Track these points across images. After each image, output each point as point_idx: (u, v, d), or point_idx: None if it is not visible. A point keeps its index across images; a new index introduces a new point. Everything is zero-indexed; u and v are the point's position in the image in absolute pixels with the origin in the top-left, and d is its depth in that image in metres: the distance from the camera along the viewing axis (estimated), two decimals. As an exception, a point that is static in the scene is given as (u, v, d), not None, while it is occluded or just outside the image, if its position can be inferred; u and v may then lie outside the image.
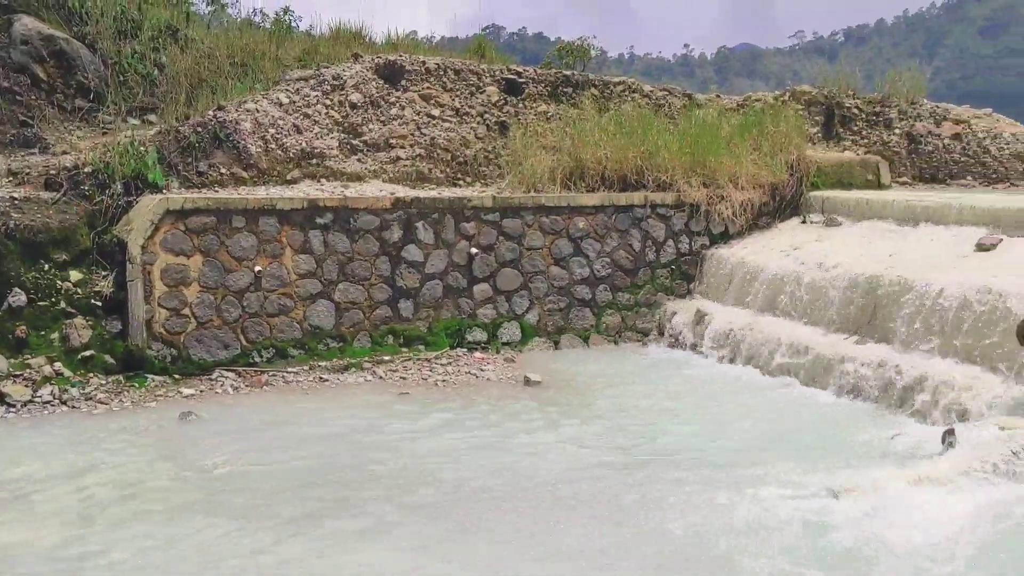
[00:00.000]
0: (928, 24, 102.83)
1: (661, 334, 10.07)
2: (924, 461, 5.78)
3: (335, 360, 8.90)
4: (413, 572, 4.78)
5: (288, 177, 10.22)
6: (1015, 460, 5.43)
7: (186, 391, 8.09)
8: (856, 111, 12.82)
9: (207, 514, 5.47)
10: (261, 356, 8.76)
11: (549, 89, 11.90)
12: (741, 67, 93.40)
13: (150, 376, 8.26)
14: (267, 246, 8.79)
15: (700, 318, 9.60)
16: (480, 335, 9.62)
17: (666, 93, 12.50)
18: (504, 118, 11.53)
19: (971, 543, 4.75)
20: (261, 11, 13.98)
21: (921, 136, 12.61)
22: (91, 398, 7.77)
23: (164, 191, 9.06)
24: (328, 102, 10.68)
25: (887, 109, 12.79)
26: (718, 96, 13.27)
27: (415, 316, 9.40)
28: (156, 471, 6.21)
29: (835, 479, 5.55)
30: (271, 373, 8.60)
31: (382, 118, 10.95)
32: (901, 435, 6.52)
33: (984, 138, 12.59)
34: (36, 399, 7.61)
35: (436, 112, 11.23)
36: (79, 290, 8.25)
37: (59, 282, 8.20)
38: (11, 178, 8.85)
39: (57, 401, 7.65)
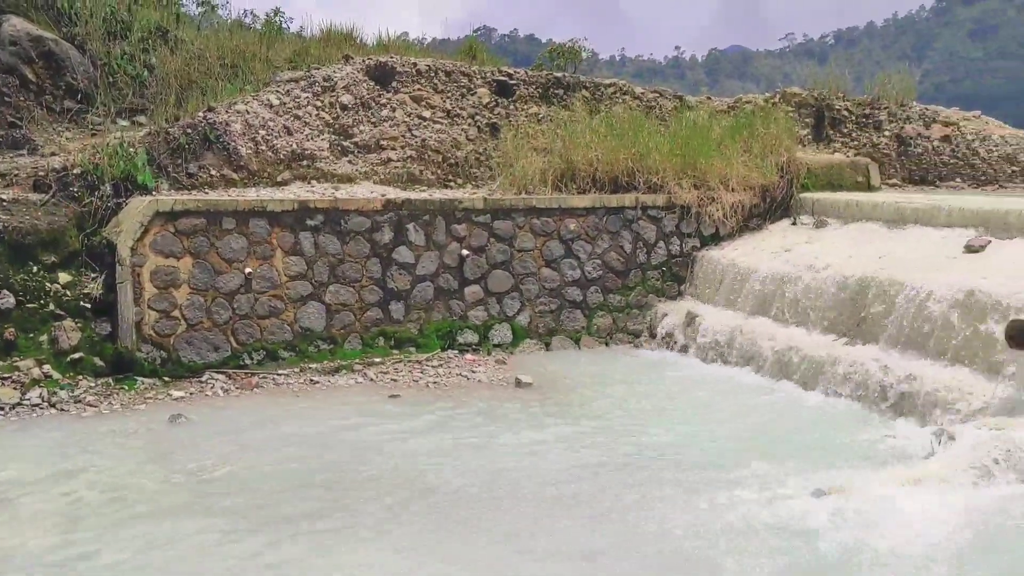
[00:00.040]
0: (918, 27, 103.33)
1: (652, 336, 10.08)
2: (914, 462, 5.81)
3: (326, 362, 8.88)
4: (412, 573, 4.77)
5: (278, 179, 10.19)
6: (1004, 461, 5.45)
7: (176, 393, 8.06)
8: (846, 113, 12.86)
9: (197, 517, 5.45)
10: (251, 358, 8.73)
11: (540, 91, 11.90)
12: (732, 69, 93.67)
13: (139, 378, 8.22)
14: (257, 248, 8.77)
15: (691, 320, 9.61)
16: (471, 337, 9.61)
17: (657, 95, 12.52)
18: (495, 120, 11.53)
19: (959, 546, 4.76)
20: (252, 12, 13.91)
21: (911, 138, 12.66)
22: (80, 401, 7.73)
23: (154, 193, 9.02)
24: (319, 103, 10.66)
25: (877, 111, 12.84)
26: (709, 98, 13.29)
27: (406, 318, 9.38)
28: (145, 474, 6.18)
29: (824, 481, 5.57)
30: (261, 375, 8.57)
31: (373, 120, 10.93)
32: (891, 436, 6.55)
33: (973, 140, 12.64)
34: (24, 402, 7.57)
35: (427, 114, 11.22)
36: (68, 292, 8.21)
37: (48, 284, 8.16)
38: (-1, 180, 8.81)
39: (46, 404, 7.61)
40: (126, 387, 8.08)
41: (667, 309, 10.10)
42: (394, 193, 10.04)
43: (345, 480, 6.04)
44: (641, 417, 7.47)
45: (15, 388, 7.66)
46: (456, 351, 9.46)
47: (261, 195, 9.42)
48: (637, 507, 5.43)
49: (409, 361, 9.09)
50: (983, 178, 12.49)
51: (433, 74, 11.35)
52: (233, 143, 9.90)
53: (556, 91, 11.95)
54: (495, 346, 9.67)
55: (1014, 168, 12.50)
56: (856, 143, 12.70)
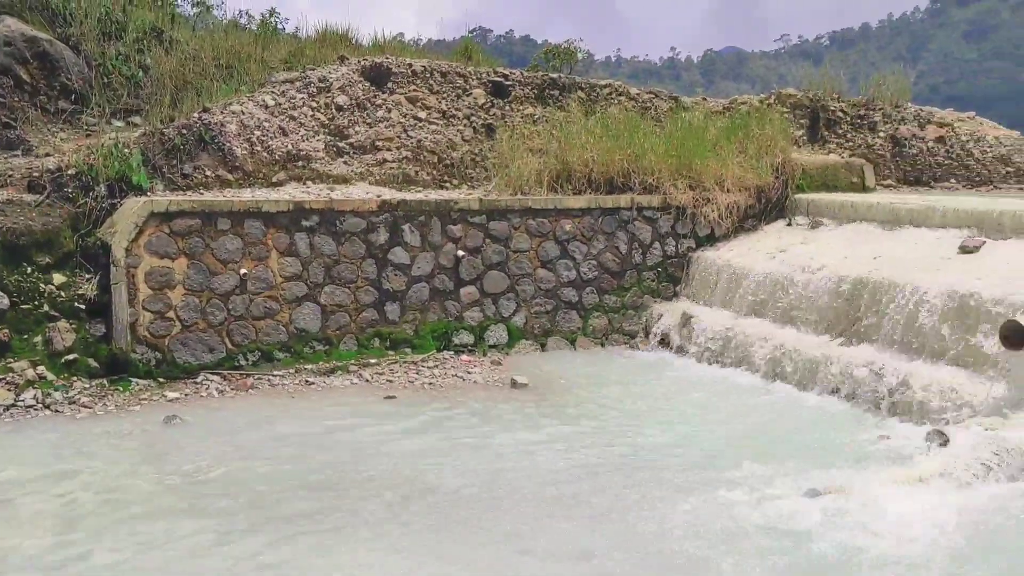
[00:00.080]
0: (912, 28, 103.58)
1: (648, 336, 10.09)
2: (909, 463, 5.81)
3: (321, 363, 8.87)
4: (411, 573, 4.77)
5: (274, 179, 10.18)
6: (999, 461, 5.46)
7: (171, 395, 8.04)
8: (841, 114, 12.89)
9: (193, 518, 5.44)
10: (247, 359, 8.71)
11: (536, 92, 11.91)
12: (727, 70, 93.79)
13: (134, 380, 8.20)
14: (252, 249, 8.75)
15: (686, 320, 9.62)
16: (467, 338, 9.61)
17: (652, 96, 12.53)
18: (491, 120, 11.53)
19: (956, 546, 4.77)
20: (247, 13, 13.91)
21: (905, 139, 12.69)
22: (75, 402, 7.71)
23: (148, 193, 9.01)
24: (314, 104, 10.65)
25: (872, 112, 12.86)
26: (704, 99, 13.30)
27: (401, 319, 9.38)
28: (140, 475, 6.17)
29: (820, 481, 5.57)
30: (257, 376, 8.55)
31: (368, 120, 10.92)
32: (886, 436, 6.56)
33: (967, 141, 12.67)
34: (19, 403, 7.55)
35: (423, 114, 11.21)
36: (62, 293, 8.19)
37: (42, 285, 8.14)
38: (-7, 180, 8.78)
39: (40, 405, 7.59)
40: (121, 388, 8.06)
41: (663, 310, 10.11)
42: (390, 194, 10.03)
43: (342, 481, 6.04)
44: (637, 418, 7.47)
45: (9, 389, 7.64)
46: (452, 352, 9.45)
47: (256, 196, 9.41)
48: (636, 507, 5.43)
49: (405, 362, 9.08)
50: (977, 179, 12.52)
51: (429, 75, 11.34)
52: (228, 144, 9.89)
53: (552, 92, 11.95)
54: (491, 347, 9.67)
55: (1008, 169, 12.53)
56: (851, 144, 12.72)
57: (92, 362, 8.14)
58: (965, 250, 7.86)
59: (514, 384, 8.46)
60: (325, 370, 8.79)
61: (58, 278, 8.25)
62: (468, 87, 11.56)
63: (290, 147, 10.36)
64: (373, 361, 9.02)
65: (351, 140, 10.77)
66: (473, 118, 11.48)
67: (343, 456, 6.53)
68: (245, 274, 8.70)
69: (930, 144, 12.65)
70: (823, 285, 8.36)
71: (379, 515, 5.46)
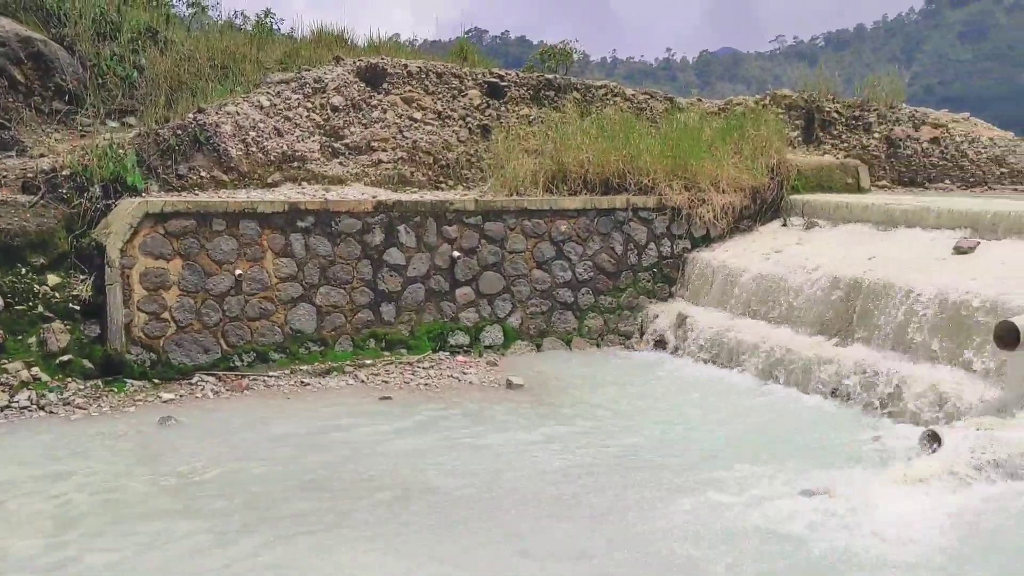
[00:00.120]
0: (907, 29, 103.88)
1: (643, 337, 10.10)
2: (904, 463, 5.81)
3: (316, 364, 8.86)
4: (411, 573, 4.76)
5: (269, 180, 10.17)
6: (994, 461, 5.47)
7: (166, 396, 8.03)
8: (836, 115, 12.91)
9: (188, 519, 5.43)
10: (242, 360, 8.70)
11: (531, 93, 11.91)
12: (723, 71, 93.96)
13: (129, 381, 8.19)
14: (248, 249, 8.74)
15: (682, 321, 9.63)
16: (462, 339, 9.61)
17: (648, 97, 12.54)
18: (486, 121, 11.53)
19: (952, 547, 4.78)
20: (242, 14, 13.85)
21: (900, 140, 12.72)
22: (69, 403, 7.69)
23: (143, 194, 8.99)
24: (309, 105, 10.64)
25: (867, 113, 12.89)
26: (699, 100, 13.32)
27: (397, 320, 9.37)
28: (135, 476, 6.16)
29: (815, 482, 5.58)
30: (252, 377, 8.54)
31: (364, 121, 10.91)
32: (881, 437, 6.57)
33: (962, 142, 12.70)
34: (13, 404, 7.53)
35: (418, 115, 11.21)
36: (57, 294, 8.17)
37: (36, 286, 8.12)
38: (-12, 181, 8.75)
39: (35, 406, 7.57)
40: (115, 389, 8.04)
41: (658, 310, 10.12)
42: (385, 195, 10.03)
43: (338, 481, 6.03)
44: (633, 418, 7.47)
45: (3, 391, 7.62)
46: (447, 353, 9.45)
47: (251, 196, 9.40)
48: (635, 508, 5.43)
49: (400, 363, 9.07)
50: (972, 180, 12.55)
51: (424, 75, 11.34)
52: (223, 144, 9.87)
53: (547, 93, 11.96)
54: (486, 348, 9.67)
55: (1003, 170, 12.56)
56: (846, 145, 12.75)
57: (87, 363, 8.12)
58: (960, 251, 7.88)
59: (510, 385, 8.45)
60: (320, 371, 8.78)
61: (53, 279, 8.23)
62: (464, 88, 11.56)
63: (285, 148, 10.35)
64: (368, 362, 9.01)
65: (346, 141, 10.76)
66: (469, 119, 11.48)
67: (339, 457, 6.52)
68: (240, 275, 8.68)
69: (925, 145, 12.68)
70: (818, 286, 8.37)
71: (377, 516, 5.45)
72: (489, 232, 9.74)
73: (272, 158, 10.25)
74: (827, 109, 12.91)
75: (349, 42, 12.80)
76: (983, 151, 12.67)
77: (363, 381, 8.65)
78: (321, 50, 12.00)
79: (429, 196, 10.18)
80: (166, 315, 8.44)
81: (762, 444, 6.64)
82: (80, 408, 7.64)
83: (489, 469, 6.22)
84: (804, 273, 8.66)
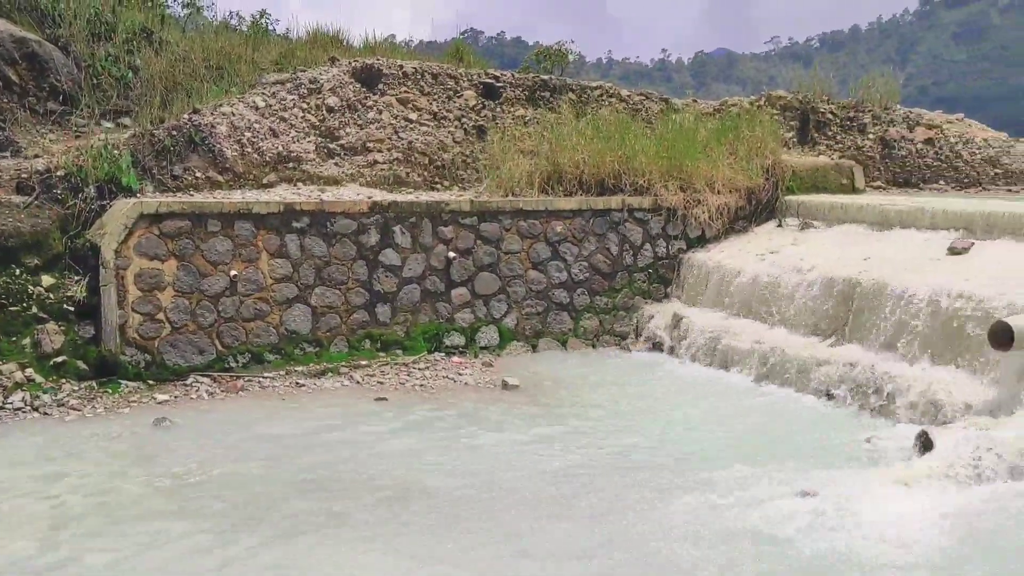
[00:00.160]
0: (902, 30, 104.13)
1: (639, 337, 10.10)
2: (900, 463, 5.83)
3: (312, 365, 8.85)
4: (411, 573, 4.76)
5: (264, 181, 10.15)
6: (989, 461, 5.49)
7: (160, 397, 8.01)
8: (831, 116, 12.93)
9: (183, 521, 5.41)
10: (237, 361, 8.69)
11: (527, 93, 11.91)
12: (718, 72, 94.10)
13: (124, 382, 8.17)
14: (243, 250, 8.73)
15: (677, 321, 9.64)
16: (458, 339, 9.60)
17: (643, 98, 12.55)
18: (482, 122, 11.53)
19: (948, 548, 4.78)
20: (237, 14, 13.84)
21: (895, 141, 12.74)
22: (63, 404, 7.67)
23: (138, 195, 8.97)
24: (305, 106, 10.63)
25: (861, 114, 12.92)
26: (695, 101, 13.33)
27: (392, 320, 9.37)
28: (130, 478, 6.14)
29: (811, 483, 5.59)
30: (247, 378, 8.53)
31: (359, 122, 10.91)
32: (876, 437, 6.58)
33: (956, 143, 12.73)
34: (7, 406, 7.50)
35: (413, 116, 11.20)
36: (51, 295, 8.15)
37: (31, 287, 8.09)
38: (-18, 182, 8.72)
39: (29, 408, 7.55)
40: (110, 391, 8.02)
41: (653, 311, 10.13)
42: (380, 195, 10.02)
43: (335, 482, 6.02)
44: (628, 418, 7.47)
45: (-3, 392, 7.59)
46: (443, 353, 9.45)
47: (246, 197, 9.38)
48: (635, 508, 5.43)
49: (395, 364, 9.07)
50: (966, 180, 12.58)
51: (420, 76, 11.34)
52: (218, 145, 9.86)
53: (543, 94, 11.96)
54: (482, 348, 9.67)
55: (997, 170, 12.60)
56: (840, 146, 12.77)
57: (81, 364, 8.10)
58: (954, 251, 7.90)
59: (505, 385, 8.45)
60: (316, 372, 8.77)
61: (47, 280, 8.20)
62: (459, 89, 11.56)
63: (280, 148, 10.33)
64: (364, 363, 9.00)
65: (342, 141, 10.75)
66: (464, 120, 11.48)
67: (335, 458, 6.51)
68: (235, 276, 8.67)
69: (919, 146, 12.71)
70: (813, 286, 8.39)
71: (376, 515, 5.45)
72: (485, 233, 9.73)
73: (267, 159, 10.23)
74: (822, 110, 12.93)
75: (345, 43, 12.79)
76: (977, 152, 12.71)
77: (358, 382, 8.65)
78: (316, 51, 11.99)
79: (425, 197, 10.18)
80: (161, 316, 8.43)
81: (758, 444, 6.65)
82: (74, 409, 7.62)
83: (486, 469, 6.22)
84: (799, 274, 8.67)
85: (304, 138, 10.53)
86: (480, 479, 6.03)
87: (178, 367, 8.45)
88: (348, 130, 10.81)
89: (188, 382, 8.35)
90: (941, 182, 12.56)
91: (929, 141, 12.73)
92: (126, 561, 4.90)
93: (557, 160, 10.43)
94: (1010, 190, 12.32)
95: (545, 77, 12.30)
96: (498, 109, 11.68)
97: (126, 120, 10.46)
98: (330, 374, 8.77)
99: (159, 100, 10.32)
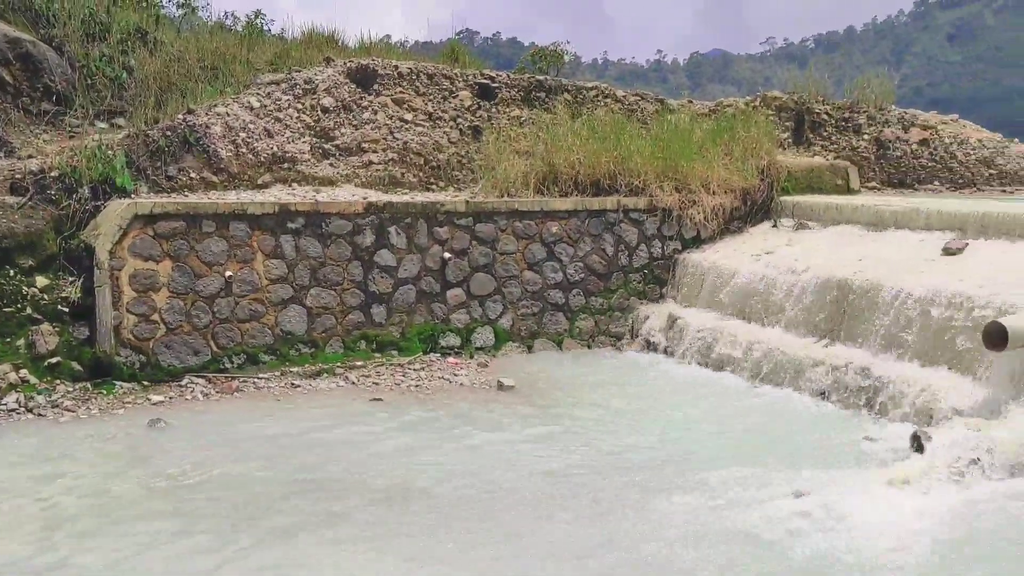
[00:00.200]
0: (896, 31, 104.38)
1: (634, 338, 10.11)
2: (895, 464, 5.84)
3: (307, 366, 8.84)
4: (411, 574, 4.75)
5: (259, 181, 10.13)
6: (984, 461, 5.50)
7: (155, 398, 7.99)
8: (826, 117, 12.96)
9: (178, 523, 5.40)
10: (232, 362, 8.67)
11: (522, 94, 11.91)
12: (713, 73, 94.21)
13: (118, 383, 8.15)
14: (238, 251, 8.71)
15: (672, 322, 9.65)
16: (454, 340, 9.60)
17: (639, 98, 12.56)
18: (477, 123, 11.53)
19: (942, 548, 4.79)
20: (232, 14, 13.83)
21: (889, 142, 12.77)
22: (58, 405, 7.65)
23: (133, 196, 8.95)
24: (300, 106, 10.61)
25: (856, 115, 12.94)
26: (690, 101, 13.35)
27: (388, 321, 9.36)
28: (124, 479, 6.13)
29: (806, 483, 5.60)
30: (242, 379, 8.51)
31: (354, 122, 10.90)
32: (870, 437, 6.59)
33: (951, 144, 12.77)
34: (1, 407, 7.47)
35: (409, 116, 11.20)
36: (46, 296, 8.13)
37: (25, 288, 8.07)
38: (-24, 182, 8.70)
39: (23, 409, 7.52)
40: (104, 392, 8.00)
41: (649, 311, 10.13)
42: (375, 196, 10.01)
43: (332, 483, 6.01)
44: (625, 419, 7.47)
45: (-9, 393, 7.57)
46: (438, 354, 9.44)
47: (241, 198, 9.37)
48: (633, 509, 5.44)
49: (391, 364, 9.06)
50: (960, 181, 12.62)
51: (415, 77, 11.33)
52: (213, 146, 9.84)
53: (538, 94, 11.96)
54: (477, 349, 9.66)
55: (991, 171, 12.63)
56: (836, 146, 12.80)
57: (75, 365, 8.08)
58: (948, 252, 7.91)
59: (501, 386, 8.45)
60: (311, 373, 8.76)
61: (41, 281, 8.18)
62: (455, 89, 11.55)
63: (275, 149, 10.32)
64: (359, 363, 8.99)
65: (337, 142, 10.74)
66: (459, 120, 11.48)
67: (331, 458, 6.51)
68: (230, 276, 8.66)
69: (914, 147, 12.74)
70: (808, 287, 8.40)
71: (376, 515, 5.44)
72: (480, 233, 9.73)
73: (262, 159, 10.22)
74: (817, 111, 12.96)
75: (340, 43, 12.79)
76: (972, 153, 12.74)
77: (354, 383, 8.64)
78: (311, 51, 11.98)
79: (420, 197, 10.17)
80: (155, 317, 8.41)
81: (755, 445, 6.65)
82: (69, 410, 7.60)
83: (484, 470, 6.21)
84: (794, 274, 8.68)
85: (299, 138, 10.52)
86: (478, 479, 6.02)
87: (173, 368, 8.43)
88: (343, 130, 10.80)
89: (183, 383, 8.33)
90: (936, 183, 12.59)
91: (924, 142, 12.76)
92: (123, 562, 4.89)
93: (553, 161, 10.43)
94: (1004, 191, 12.36)
95: (541, 77, 12.30)
96: (493, 109, 11.68)
97: (120, 120, 10.44)
98: (325, 375, 8.75)
99: (153, 100, 10.30)
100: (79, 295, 8.18)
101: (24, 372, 7.83)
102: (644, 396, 8.19)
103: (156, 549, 5.04)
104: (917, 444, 5.90)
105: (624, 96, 12.46)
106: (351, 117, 10.89)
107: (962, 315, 6.80)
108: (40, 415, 7.48)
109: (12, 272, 8.08)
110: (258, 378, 8.55)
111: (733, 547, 4.88)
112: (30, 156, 9.21)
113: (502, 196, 10.16)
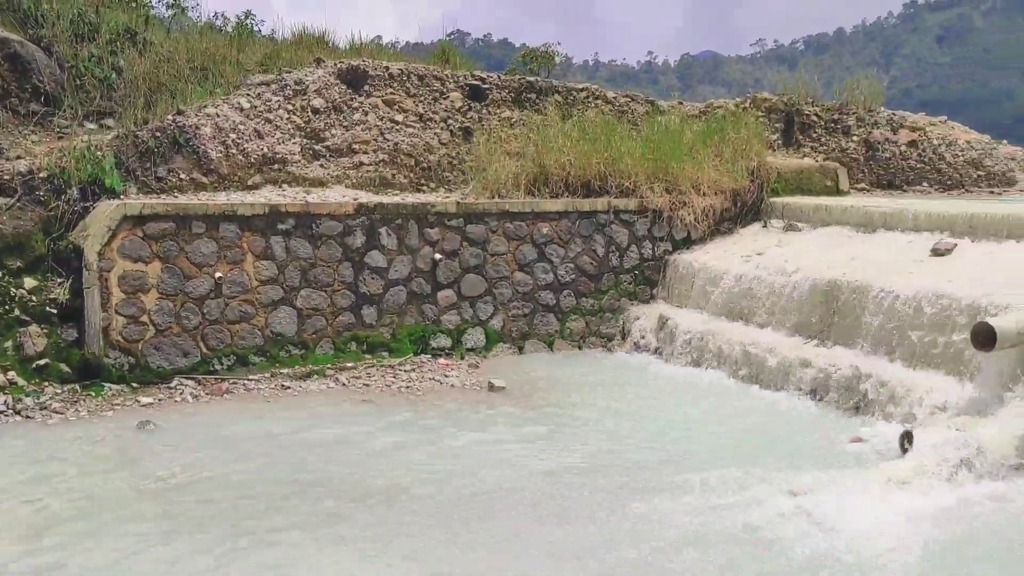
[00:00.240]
0: (886, 33, 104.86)
1: (625, 339, 10.12)
2: (882, 463, 5.87)
3: (297, 367, 8.82)
4: (411, 574, 4.74)
5: (249, 183, 10.11)
6: (973, 460, 5.53)
7: (144, 400, 7.96)
8: (815, 118, 13.00)
9: (167, 526, 5.37)
10: (222, 363, 8.65)
11: (513, 95, 11.92)
12: (704, 74, 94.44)
13: (107, 385, 8.11)
14: (228, 252, 8.69)
15: (663, 323, 9.66)
16: (444, 341, 9.59)
17: (629, 99, 12.58)
18: (468, 124, 11.53)
19: (928, 548, 4.81)
20: (222, 15, 13.78)
21: (878, 143, 12.82)
22: (46, 408, 7.61)
23: (122, 197, 8.91)
24: (290, 107, 10.59)
25: (845, 116, 12.99)
26: (680, 103, 13.38)
27: (379, 322, 9.34)
28: (114, 481, 6.10)
29: (796, 483, 5.61)
30: (232, 381, 8.49)
31: (345, 123, 10.88)
32: (860, 438, 6.62)
33: (939, 145, 12.83)
34: (-11, 409, 7.44)
35: (399, 117, 11.19)
36: (34, 297, 8.08)
37: (13, 289, 8.03)
38: (-37, 183, 8.65)
39: (11, 411, 7.48)
40: (93, 394, 7.97)
41: (639, 312, 10.15)
42: (366, 197, 10.00)
43: (323, 484, 5.99)
44: (618, 419, 7.48)
45: (-21, 395, 7.53)
46: (429, 355, 9.43)
47: (231, 199, 9.34)
48: (632, 509, 5.43)
49: (382, 366, 9.05)
50: (949, 182, 12.68)
51: (406, 78, 11.32)
52: (203, 146, 9.81)
53: (529, 95, 11.97)
54: (468, 350, 9.66)
55: (979, 172, 12.70)
56: (825, 148, 12.84)
57: (64, 367, 8.04)
58: (937, 253, 7.95)
59: (491, 387, 8.45)
60: (301, 374, 8.74)
61: (29, 282, 8.14)
62: (445, 90, 11.55)
63: (266, 150, 10.30)
64: (350, 365, 8.98)
65: (327, 143, 10.72)
66: (450, 121, 11.47)
67: (323, 459, 6.49)
68: (220, 278, 8.63)
69: (903, 148, 12.80)
70: (798, 287, 8.42)
71: (376, 516, 5.42)
72: (471, 235, 9.73)
73: (252, 160, 10.19)
74: (806, 112, 13.00)
75: (330, 44, 12.76)
76: (960, 154, 12.81)
77: (344, 384, 8.62)
78: (302, 52, 11.96)
79: (411, 198, 10.16)
80: (145, 318, 8.38)
81: (745, 445, 6.67)
82: (57, 412, 7.56)
83: (480, 470, 6.20)
84: (784, 275, 8.71)
85: (289, 139, 10.50)
86: (475, 480, 6.01)
87: (162, 370, 8.40)
88: (334, 131, 10.78)
89: (172, 385, 8.30)
90: (924, 184, 12.65)
91: (912, 143, 12.82)
92: (113, 564, 4.86)
93: (543, 162, 10.44)
94: (992, 192, 12.43)
95: (531, 79, 12.31)
96: (484, 111, 11.68)
97: (109, 121, 10.39)
98: (316, 376, 8.74)
99: (143, 101, 10.26)
100: (67, 296, 8.14)
101: (12, 374, 7.78)
102: (636, 397, 8.20)
103: (146, 551, 5.01)
104: (907, 444, 5.93)
105: (615, 97, 12.48)
106: (341, 118, 10.87)
107: (950, 315, 6.83)
108: (28, 417, 7.44)
109: (0, 273, 8.03)
110: (248, 380, 8.53)
111: (734, 547, 4.89)
112: (18, 157, 9.16)
113: (493, 197, 10.16)
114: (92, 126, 10.25)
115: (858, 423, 6.99)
